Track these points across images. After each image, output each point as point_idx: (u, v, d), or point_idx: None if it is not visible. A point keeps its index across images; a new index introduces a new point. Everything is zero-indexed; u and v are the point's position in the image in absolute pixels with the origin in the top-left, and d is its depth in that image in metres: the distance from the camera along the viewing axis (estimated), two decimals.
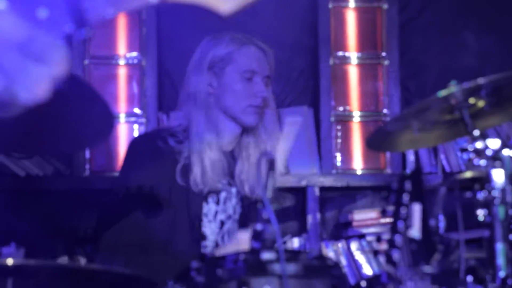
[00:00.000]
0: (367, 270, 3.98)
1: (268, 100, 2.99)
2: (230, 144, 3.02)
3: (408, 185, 1.76)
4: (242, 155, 3.01)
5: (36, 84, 0.98)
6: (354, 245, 4.02)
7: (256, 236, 1.99)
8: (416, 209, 1.74)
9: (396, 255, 1.69)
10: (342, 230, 4.19)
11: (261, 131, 3.01)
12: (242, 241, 2.81)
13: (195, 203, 2.89)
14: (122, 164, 3.04)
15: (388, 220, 3.91)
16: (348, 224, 4.12)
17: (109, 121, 1.94)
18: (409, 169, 4.11)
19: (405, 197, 1.75)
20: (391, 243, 1.70)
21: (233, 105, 2.94)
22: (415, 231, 1.71)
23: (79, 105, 1.89)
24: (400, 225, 1.72)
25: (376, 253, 1.77)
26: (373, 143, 2.39)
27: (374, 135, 2.33)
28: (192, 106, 2.94)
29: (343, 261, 3.99)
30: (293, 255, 2.02)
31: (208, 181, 2.85)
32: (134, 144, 3.02)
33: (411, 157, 4.15)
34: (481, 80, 2.16)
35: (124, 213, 2.86)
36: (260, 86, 2.93)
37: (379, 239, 1.76)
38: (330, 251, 4.00)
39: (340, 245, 4.04)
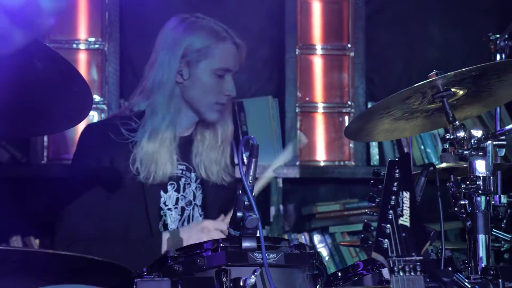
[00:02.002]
0: (330, 262, 3.96)
1: (232, 99, 2.97)
2: (188, 130, 2.96)
3: (396, 173, 1.72)
4: (197, 138, 2.96)
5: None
6: (317, 238, 4.00)
7: (236, 223, 1.94)
8: (406, 196, 1.70)
9: (385, 244, 1.65)
10: (305, 222, 4.16)
11: (217, 122, 2.97)
12: (205, 229, 2.78)
13: (151, 192, 2.82)
14: (74, 152, 2.95)
15: (352, 212, 3.94)
16: (311, 216, 4.09)
17: (86, 101, 1.87)
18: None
19: (394, 185, 1.71)
20: (380, 231, 1.66)
21: (200, 99, 2.87)
22: (405, 220, 1.68)
23: (56, 85, 1.82)
24: (389, 213, 1.68)
25: (365, 241, 1.72)
26: (351, 132, 2.35)
27: (352, 123, 2.29)
28: (157, 91, 2.85)
29: None
30: (273, 243, 1.96)
31: (158, 171, 2.79)
32: (86, 133, 2.91)
33: (374, 149, 4.15)
34: (462, 70, 2.13)
35: (79, 206, 2.78)
36: (230, 85, 2.88)
37: (366, 227, 1.71)
38: None
39: (303, 237, 4.01)
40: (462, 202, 2.05)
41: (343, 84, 4.14)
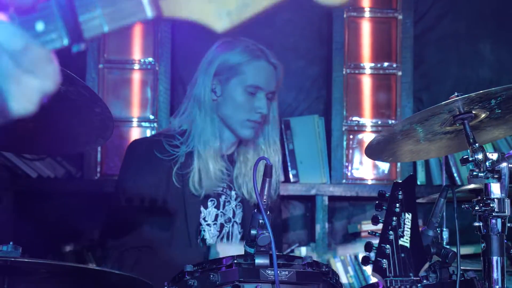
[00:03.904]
0: (375, 281, 3.95)
1: (267, 117, 3.01)
2: (229, 149, 3.04)
3: (400, 194, 1.75)
4: (240, 159, 3.03)
5: (25, 95, 0.99)
6: (361, 256, 4.00)
7: (251, 241, 1.99)
8: (408, 218, 1.73)
9: (384, 264, 1.68)
10: (350, 241, 4.18)
11: (261, 141, 3.04)
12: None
13: (192, 208, 2.91)
14: (120, 166, 3.07)
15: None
16: (357, 234, 4.10)
17: (108, 122, 1.97)
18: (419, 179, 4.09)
19: (397, 206, 1.74)
20: (380, 251, 1.69)
21: (232, 116, 2.95)
22: (405, 240, 1.71)
23: (78, 106, 1.92)
24: (390, 233, 1.72)
25: (366, 260, 1.76)
26: (372, 152, 2.37)
27: (373, 144, 2.31)
28: (198, 110, 2.95)
29: (351, 271, 3.98)
30: (287, 261, 2.01)
31: (207, 186, 2.88)
32: (130, 150, 3.04)
33: (421, 169, 4.14)
34: (483, 91, 2.14)
35: (124, 217, 2.89)
36: (262, 103, 2.93)
37: (368, 246, 1.75)
38: (338, 261, 3.99)
39: (348, 255, 4.02)
40: (477, 224, 2.05)
41: (391, 103, 4.15)
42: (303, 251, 4.02)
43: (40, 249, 3.92)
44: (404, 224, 1.73)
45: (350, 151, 4.13)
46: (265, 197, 2.03)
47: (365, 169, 4.14)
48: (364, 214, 4.23)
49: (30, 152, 3.24)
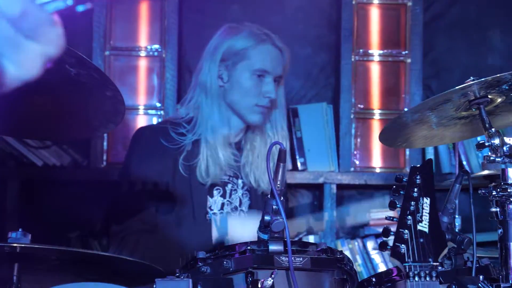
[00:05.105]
0: (383, 269, 3.93)
1: (275, 101, 2.98)
2: (236, 136, 3.01)
3: (418, 179, 1.72)
4: (247, 147, 3.00)
5: (27, 61, 0.95)
6: (370, 244, 3.98)
7: (265, 227, 1.97)
8: (426, 203, 1.70)
9: (403, 249, 1.65)
10: (359, 229, 4.15)
11: (268, 128, 3.00)
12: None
13: (199, 196, 2.89)
14: (126, 154, 3.04)
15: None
16: (365, 223, 4.07)
17: (119, 106, 1.94)
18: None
19: (415, 191, 1.71)
20: (398, 236, 1.66)
21: (240, 101, 2.92)
22: (424, 225, 1.68)
23: (89, 90, 1.89)
24: (408, 218, 1.69)
25: (384, 246, 1.73)
26: (386, 137, 2.34)
27: (387, 129, 2.28)
28: (204, 97, 2.92)
29: (359, 260, 3.96)
30: (301, 247, 1.98)
31: (215, 174, 2.85)
32: (136, 137, 3.00)
33: (430, 157, 4.10)
34: (499, 76, 2.11)
35: (128, 203, 2.87)
36: (270, 87, 2.90)
37: (386, 232, 1.72)
38: (346, 250, 3.97)
39: (356, 243, 4.00)
40: (494, 209, 2.02)
41: (400, 90, 4.12)
42: (311, 239, 3.99)
43: (47, 238, 3.89)
44: (423, 209, 1.70)
45: (359, 139, 4.09)
46: (278, 183, 2.00)
47: (373, 157, 4.10)
48: (372, 203, 4.20)
49: (42, 137, 3.20)
